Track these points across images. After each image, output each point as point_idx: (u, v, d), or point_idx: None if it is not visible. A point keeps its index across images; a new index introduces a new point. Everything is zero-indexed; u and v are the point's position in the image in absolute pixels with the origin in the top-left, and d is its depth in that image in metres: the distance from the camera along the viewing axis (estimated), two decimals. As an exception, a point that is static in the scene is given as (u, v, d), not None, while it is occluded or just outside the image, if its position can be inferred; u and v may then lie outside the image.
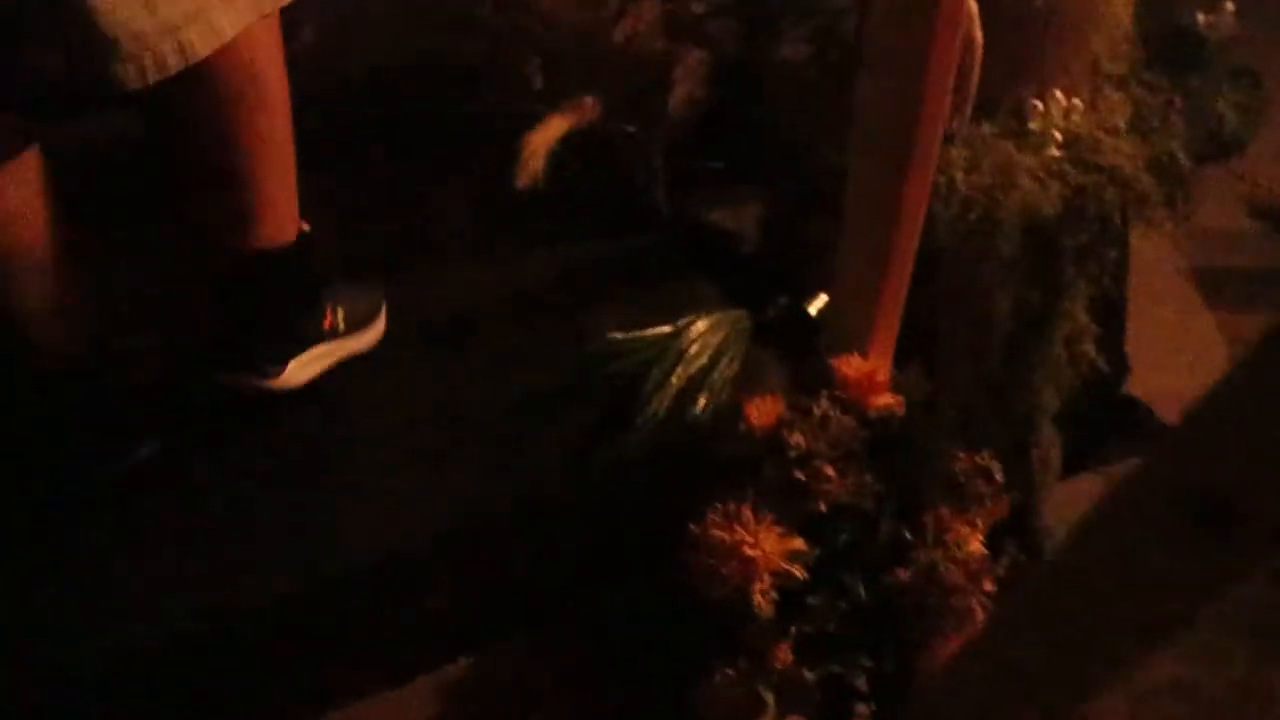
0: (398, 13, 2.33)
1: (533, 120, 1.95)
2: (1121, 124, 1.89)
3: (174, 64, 1.26)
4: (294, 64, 1.44)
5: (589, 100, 1.81)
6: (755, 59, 2.25)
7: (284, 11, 1.40)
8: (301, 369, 1.60)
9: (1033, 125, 1.86)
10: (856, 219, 1.37)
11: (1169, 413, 2.20)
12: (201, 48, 1.27)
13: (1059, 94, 1.87)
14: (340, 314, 1.64)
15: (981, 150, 1.81)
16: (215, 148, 1.38)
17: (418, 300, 1.74)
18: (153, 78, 1.25)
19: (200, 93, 1.32)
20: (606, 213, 1.85)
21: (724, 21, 2.22)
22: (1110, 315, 1.88)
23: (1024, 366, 1.83)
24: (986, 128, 1.83)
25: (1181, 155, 1.89)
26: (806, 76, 2.12)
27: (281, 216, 1.48)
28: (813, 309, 1.65)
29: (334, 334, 1.64)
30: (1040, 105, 1.86)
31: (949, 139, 1.81)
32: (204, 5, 1.26)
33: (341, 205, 1.89)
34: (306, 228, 1.55)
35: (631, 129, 1.88)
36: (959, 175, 1.78)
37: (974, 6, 1.59)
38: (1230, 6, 2.19)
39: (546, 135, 1.73)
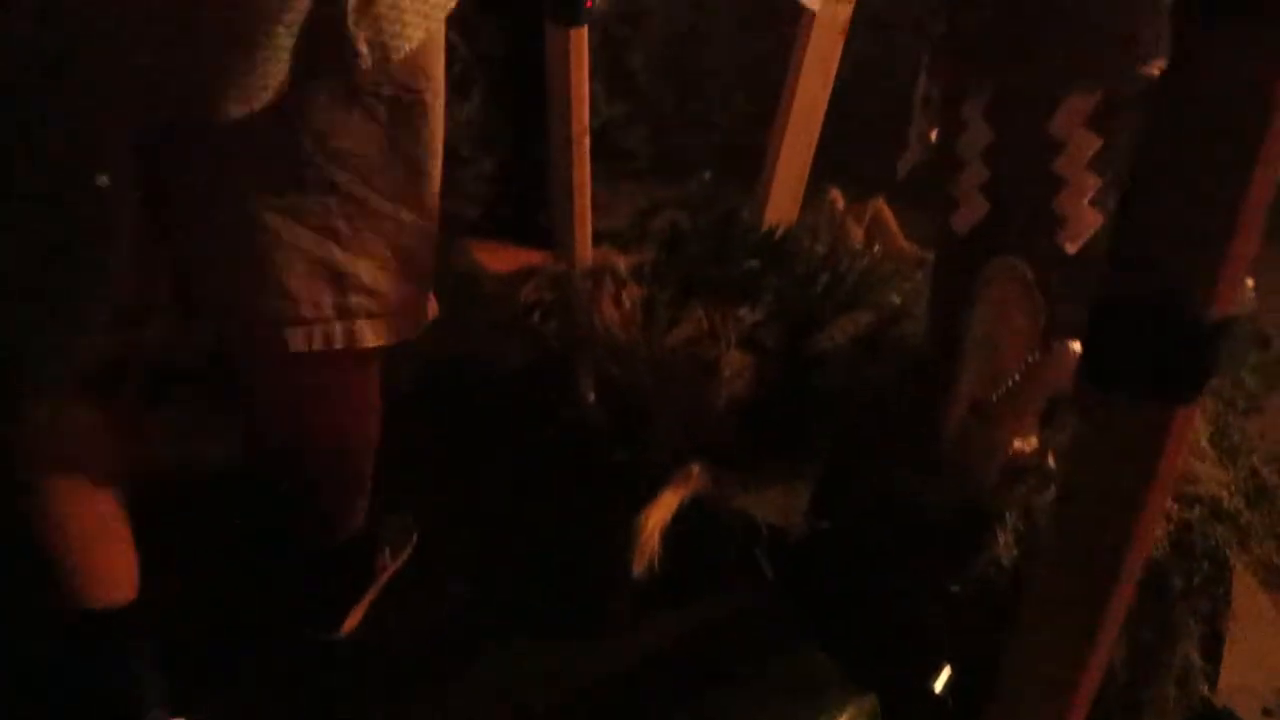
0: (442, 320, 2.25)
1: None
2: (1204, 442, 1.84)
3: (340, 342, 1.39)
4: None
5: (695, 468, 1.70)
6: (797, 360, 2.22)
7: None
8: (357, 614, 1.76)
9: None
10: (1037, 641, 1.25)
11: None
12: (369, 339, 1.41)
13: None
14: (388, 552, 1.82)
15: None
16: (324, 435, 1.53)
17: (511, 686, 1.57)
18: (317, 346, 1.37)
19: (328, 376, 1.46)
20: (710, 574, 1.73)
21: (769, 327, 2.16)
22: (1214, 645, 1.80)
23: (1135, 707, 1.73)
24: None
25: (1264, 470, 1.85)
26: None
27: (360, 509, 1.65)
28: (939, 685, 1.53)
29: (383, 570, 1.81)
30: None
31: (1047, 476, 1.74)
32: (385, 311, 1.41)
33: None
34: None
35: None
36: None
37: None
38: (1250, 283, 2.19)
39: (660, 515, 1.61)
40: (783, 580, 1.72)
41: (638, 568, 1.61)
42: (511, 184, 2.91)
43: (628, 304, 2.05)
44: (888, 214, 2.69)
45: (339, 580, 1.72)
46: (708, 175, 2.31)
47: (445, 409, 2.19)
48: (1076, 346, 1.58)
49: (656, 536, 1.62)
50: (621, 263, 2.10)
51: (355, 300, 1.38)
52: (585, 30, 1.94)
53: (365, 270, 1.37)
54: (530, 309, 2.19)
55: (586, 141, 2.03)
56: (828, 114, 2.34)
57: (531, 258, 2.26)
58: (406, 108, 1.32)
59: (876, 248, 2.57)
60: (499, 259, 2.38)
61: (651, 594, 1.67)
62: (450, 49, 3.22)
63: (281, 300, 1.35)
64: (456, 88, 3.60)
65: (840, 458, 2.05)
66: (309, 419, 1.51)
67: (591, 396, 2.21)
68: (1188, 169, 0.87)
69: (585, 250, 2.13)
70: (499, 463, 2.01)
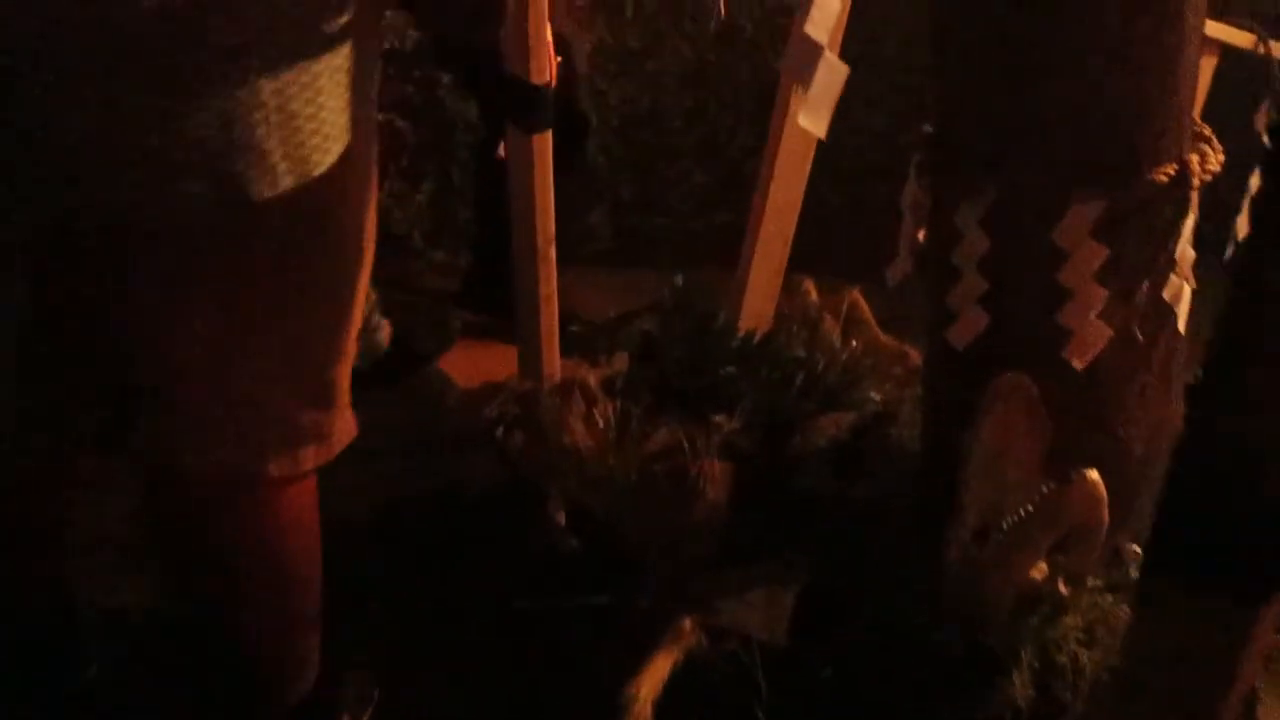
0: (406, 441, 2.14)
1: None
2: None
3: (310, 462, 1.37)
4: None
5: (687, 624, 1.57)
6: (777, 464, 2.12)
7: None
8: None
9: (1134, 572, 1.68)
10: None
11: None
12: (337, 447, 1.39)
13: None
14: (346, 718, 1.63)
15: (1095, 617, 1.61)
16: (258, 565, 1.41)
17: None
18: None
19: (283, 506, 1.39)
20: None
21: (747, 433, 2.04)
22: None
23: None
24: (1091, 582, 1.64)
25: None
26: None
27: (309, 665, 1.52)
28: None
29: None
30: (1136, 549, 1.68)
31: (1061, 606, 1.63)
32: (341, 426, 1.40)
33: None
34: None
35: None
36: (1081, 652, 1.57)
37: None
38: None
39: (652, 685, 1.47)
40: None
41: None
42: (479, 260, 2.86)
43: (600, 422, 1.92)
44: (863, 306, 2.59)
45: None
46: (679, 279, 2.18)
47: (407, 540, 2.04)
48: (1095, 477, 1.46)
49: (649, 709, 1.47)
50: (592, 377, 1.96)
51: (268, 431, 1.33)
52: (549, 136, 1.82)
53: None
54: (496, 424, 2.05)
55: (552, 252, 1.90)
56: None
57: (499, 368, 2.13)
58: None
59: (854, 343, 2.46)
60: (465, 370, 2.26)
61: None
62: (398, 138, 3.12)
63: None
64: (406, 177, 3.51)
65: (827, 570, 1.92)
66: (239, 550, 1.40)
67: (562, 519, 2.08)
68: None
69: (554, 366, 2.00)
70: (466, 602, 1.85)
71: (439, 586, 1.89)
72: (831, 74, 1.24)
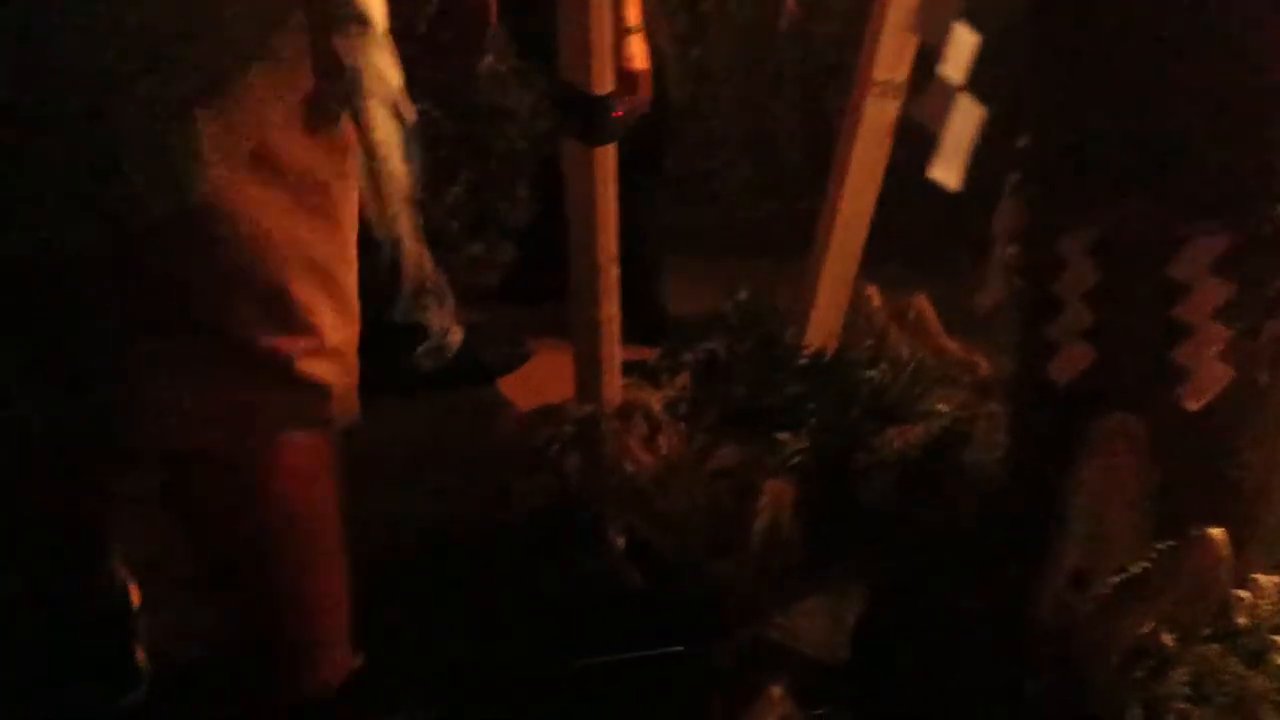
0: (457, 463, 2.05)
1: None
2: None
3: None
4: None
5: (776, 692, 1.47)
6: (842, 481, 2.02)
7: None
8: None
9: (1241, 620, 1.57)
10: None
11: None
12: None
13: (1260, 579, 1.60)
14: None
15: (1205, 670, 1.51)
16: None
17: None
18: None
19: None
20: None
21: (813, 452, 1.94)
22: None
23: None
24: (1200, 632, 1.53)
25: None
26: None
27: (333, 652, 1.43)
28: None
29: None
30: (1246, 595, 1.57)
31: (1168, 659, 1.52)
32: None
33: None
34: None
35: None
36: (1191, 711, 1.46)
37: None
38: None
39: None
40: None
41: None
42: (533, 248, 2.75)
43: (664, 448, 1.82)
44: (930, 313, 2.47)
45: None
46: (743, 295, 2.07)
47: (451, 570, 1.94)
48: (1219, 536, 1.35)
49: None
50: (655, 400, 1.86)
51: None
52: (612, 150, 1.71)
53: None
54: (550, 446, 1.95)
55: (615, 272, 1.79)
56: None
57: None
58: None
59: (920, 353, 2.35)
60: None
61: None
62: (435, 129, 3.01)
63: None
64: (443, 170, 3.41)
65: (894, 597, 1.82)
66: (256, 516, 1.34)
67: (620, 544, 1.98)
68: None
69: (614, 390, 1.89)
70: (517, 647, 1.75)
71: (487, 628, 1.79)
72: (967, 119, 1.12)
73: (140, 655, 1.65)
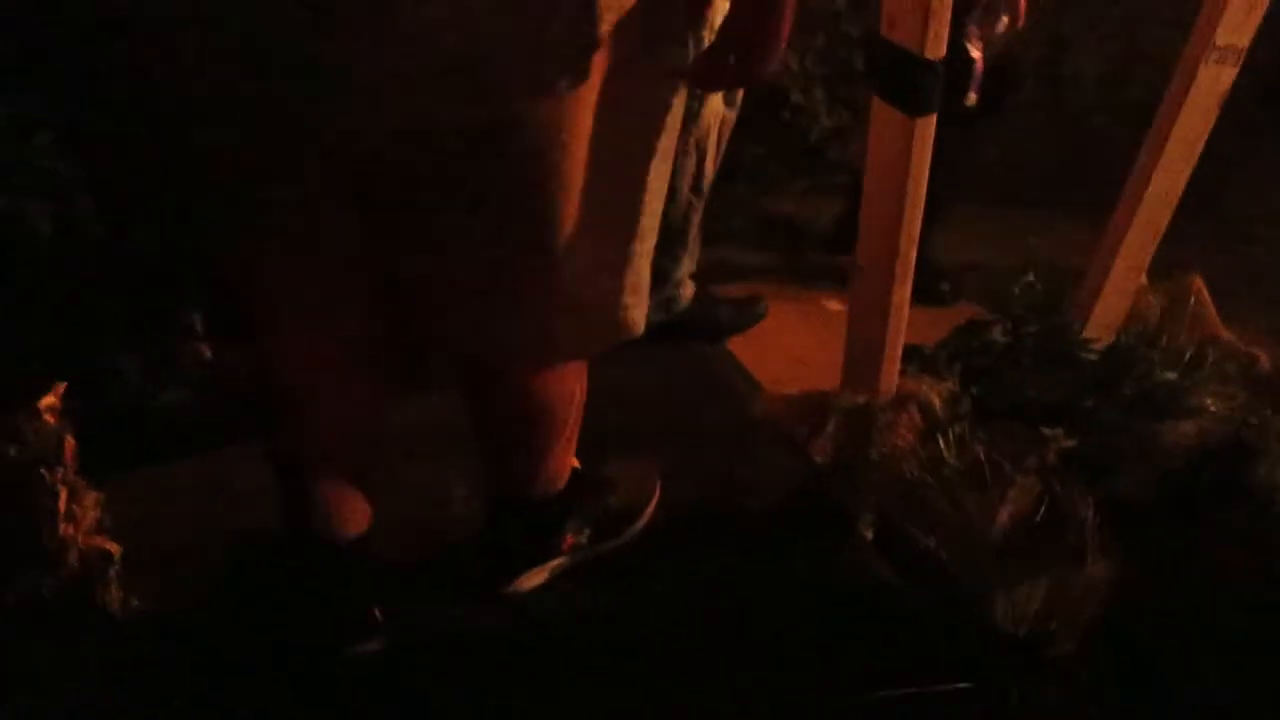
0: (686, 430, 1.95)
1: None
2: None
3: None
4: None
5: None
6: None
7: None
8: (533, 579, 1.69)
9: None
10: None
11: None
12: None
13: None
14: (585, 534, 1.72)
15: None
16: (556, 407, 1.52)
17: None
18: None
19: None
20: None
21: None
22: None
23: None
24: None
25: None
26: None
27: (554, 469, 1.64)
28: None
29: (576, 550, 1.72)
30: None
31: None
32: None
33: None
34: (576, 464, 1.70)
35: None
36: None
37: None
38: None
39: None
40: None
41: None
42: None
43: (945, 449, 1.64)
44: (1207, 297, 2.23)
45: (514, 536, 1.67)
46: (1030, 278, 1.86)
47: (677, 556, 1.80)
48: None
49: None
50: (935, 395, 1.68)
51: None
52: (933, 120, 1.51)
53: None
54: (809, 431, 1.79)
55: (914, 254, 1.60)
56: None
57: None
58: None
59: (1201, 344, 2.12)
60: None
61: None
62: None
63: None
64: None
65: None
66: (519, 407, 1.51)
67: (869, 536, 1.83)
68: None
69: (891, 379, 1.71)
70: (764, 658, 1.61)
71: (723, 629, 1.65)
72: None
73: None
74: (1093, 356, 1.86)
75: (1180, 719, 1.57)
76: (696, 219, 2.19)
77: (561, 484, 1.67)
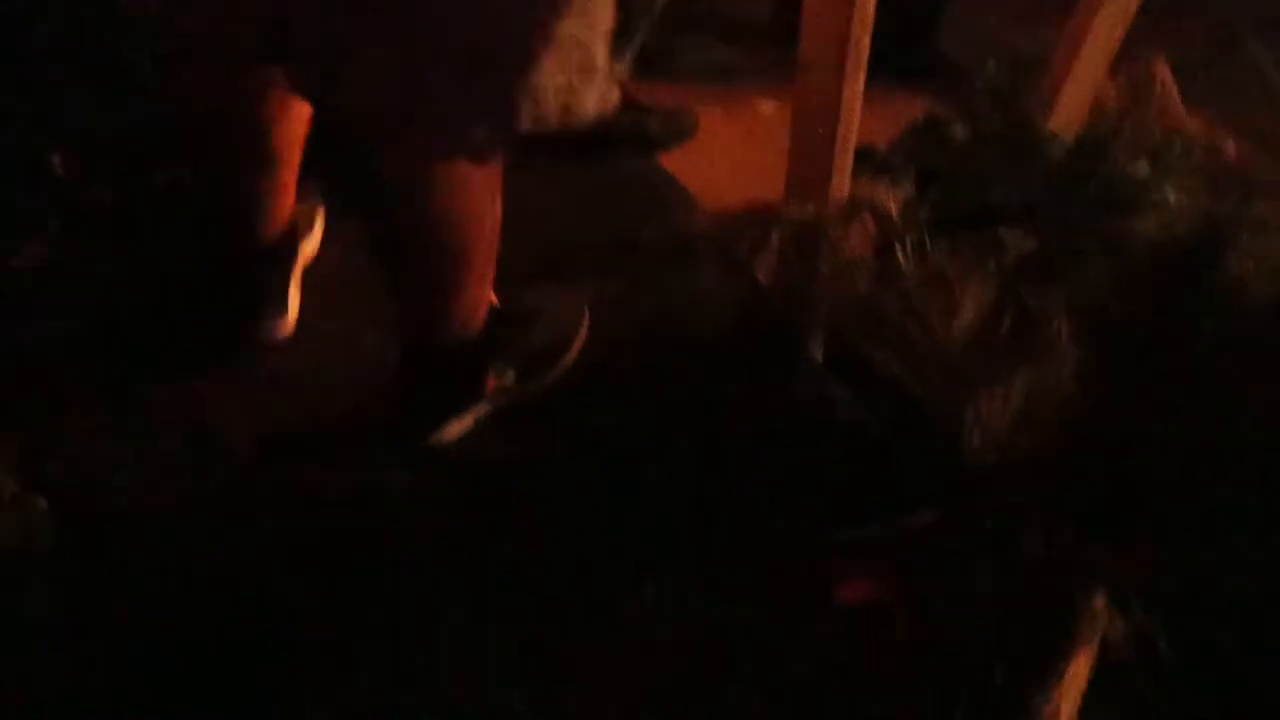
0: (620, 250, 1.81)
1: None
2: None
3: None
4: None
5: (1100, 602, 1.18)
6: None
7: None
8: (456, 427, 1.62)
9: None
10: None
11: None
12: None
13: None
14: (508, 375, 1.64)
15: None
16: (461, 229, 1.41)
17: None
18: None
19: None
20: None
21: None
22: None
23: None
24: None
25: None
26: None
27: (469, 308, 1.54)
28: None
29: (500, 394, 1.64)
30: None
31: None
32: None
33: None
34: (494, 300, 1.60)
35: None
36: None
37: None
38: None
39: (1075, 695, 1.09)
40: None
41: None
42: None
43: (902, 260, 1.49)
44: (1171, 85, 2.07)
45: (432, 383, 1.58)
46: (992, 66, 1.68)
47: (626, 381, 1.67)
48: None
49: None
50: (889, 200, 1.52)
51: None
52: None
53: None
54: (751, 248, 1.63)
55: (867, 43, 1.41)
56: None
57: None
58: None
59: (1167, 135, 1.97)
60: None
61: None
62: None
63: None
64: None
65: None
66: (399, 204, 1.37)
67: (820, 357, 1.69)
68: None
69: (842, 185, 1.54)
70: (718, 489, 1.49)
71: (667, 469, 1.52)
72: None
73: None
74: (1056, 152, 1.70)
75: (1158, 531, 1.47)
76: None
77: (478, 323, 1.57)
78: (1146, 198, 1.84)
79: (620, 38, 1.92)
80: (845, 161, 1.53)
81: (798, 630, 1.38)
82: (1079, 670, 1.15)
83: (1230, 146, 2.03)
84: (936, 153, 1.64)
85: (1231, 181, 1.95)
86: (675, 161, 2.12)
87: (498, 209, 1.42)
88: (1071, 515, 1.39)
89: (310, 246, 1.82)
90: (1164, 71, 2.07)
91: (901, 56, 1.80)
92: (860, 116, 1.48)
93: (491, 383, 1.62)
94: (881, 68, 1.48)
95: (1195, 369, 1.63)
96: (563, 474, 1.52)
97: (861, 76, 1.45)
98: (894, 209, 1.55)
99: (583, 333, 1.71)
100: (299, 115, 1.52)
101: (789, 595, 1.41)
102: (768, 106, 2.32)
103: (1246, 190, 1.89)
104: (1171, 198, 1.86)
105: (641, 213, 1.92)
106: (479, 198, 1.38)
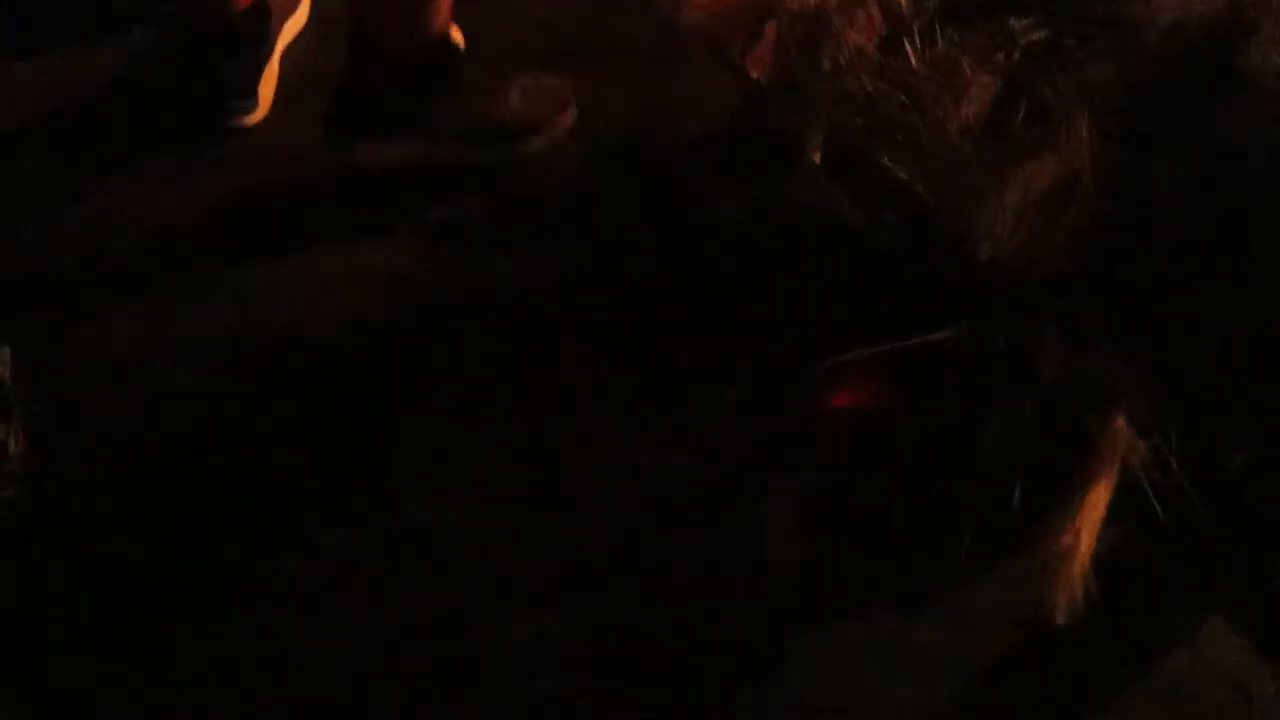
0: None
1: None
2: None
3: None
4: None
5: (1121, 425, 1.12)
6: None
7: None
8: (396, 149, 1.58)
9: None
10: None
11: None
12: None
13: None
14: (453, 123, 1.57)
15: None
16: None
17: None
18: None
19: None
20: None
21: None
22: None
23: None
24: None
25: None
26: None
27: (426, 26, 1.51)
28: None
29: (441, 138, 1.59)
30: None
31: None
32: None
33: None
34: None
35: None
36: None
37: None
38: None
39: (1092, 526, 1.04)
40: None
41: (1062, 615, 1.05)
42: None
43: (910, 53, 1.38)
44: None
45: (373, 83, 1.53)
46: None
47: (611, 187, 1.56)
48: None
49: (1088, 565, 1.06)
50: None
51: None
52: None
53: None
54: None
55: None
56: None
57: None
58: None
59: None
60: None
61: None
62: None
63: None
64: None
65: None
66: None
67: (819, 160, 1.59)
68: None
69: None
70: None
71: (657, 286, 1.43)
72: None
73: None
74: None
75: (1169, 342, 1.40)
76: None
77: (426, 42, 1.52)
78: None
79: None
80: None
81: (805, 441, 1.32)
82: (1099, 497, 1.10)
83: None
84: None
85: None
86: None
87: None
88: (1085, 326, 1.33)
89: (293, 26, 1.73)
90: None
91: None
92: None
93: (434, 122, 1.55)
94: None
95: (1207, 178, 1.53)
96: (557, 296, 1.44)
97: None
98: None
99: (563, 119, 1.60)
100: None
101: (792, 409, 1.35)
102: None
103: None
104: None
105: (623, 4, 1.76)
106: None
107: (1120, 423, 1.12)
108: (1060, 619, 1.05)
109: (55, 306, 1.39)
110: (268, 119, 1.64)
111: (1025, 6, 1.56)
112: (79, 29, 1.72)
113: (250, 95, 1.63)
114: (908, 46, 1.41)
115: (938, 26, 1.44)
